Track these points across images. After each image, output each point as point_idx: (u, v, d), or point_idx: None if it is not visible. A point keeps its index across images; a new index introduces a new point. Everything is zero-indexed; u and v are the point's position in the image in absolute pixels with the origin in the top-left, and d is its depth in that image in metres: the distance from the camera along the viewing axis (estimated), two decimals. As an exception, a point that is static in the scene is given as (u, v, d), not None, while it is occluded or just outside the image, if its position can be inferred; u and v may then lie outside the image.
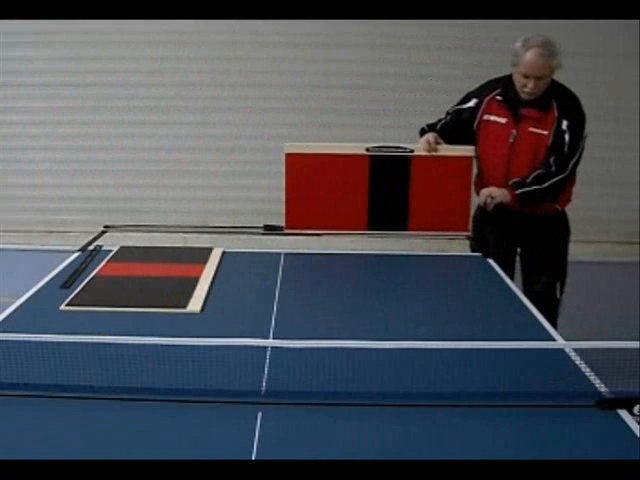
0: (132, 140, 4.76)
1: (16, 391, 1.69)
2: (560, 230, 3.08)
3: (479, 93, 3.01)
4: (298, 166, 3.00)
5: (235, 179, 4.79)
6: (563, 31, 4.37)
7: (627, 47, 4.49)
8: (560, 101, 2.85)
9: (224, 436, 1.54)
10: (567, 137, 2.82)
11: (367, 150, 2.98)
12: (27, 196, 4.82)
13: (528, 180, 2.83)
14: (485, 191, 2.90)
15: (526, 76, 2.78)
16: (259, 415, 1.62)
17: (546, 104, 2.84)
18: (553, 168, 2.83)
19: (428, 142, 2.97)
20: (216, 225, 3.82)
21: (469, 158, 2.98)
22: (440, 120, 3.09)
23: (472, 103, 3.01)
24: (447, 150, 2.97)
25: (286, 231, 3.16)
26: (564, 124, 2.82)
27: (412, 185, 2.99)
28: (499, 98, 2.93)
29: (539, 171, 2.84)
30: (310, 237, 3.23)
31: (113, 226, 3.31)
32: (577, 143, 2.83)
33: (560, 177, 2.82)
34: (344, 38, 4.57)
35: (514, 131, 2.89)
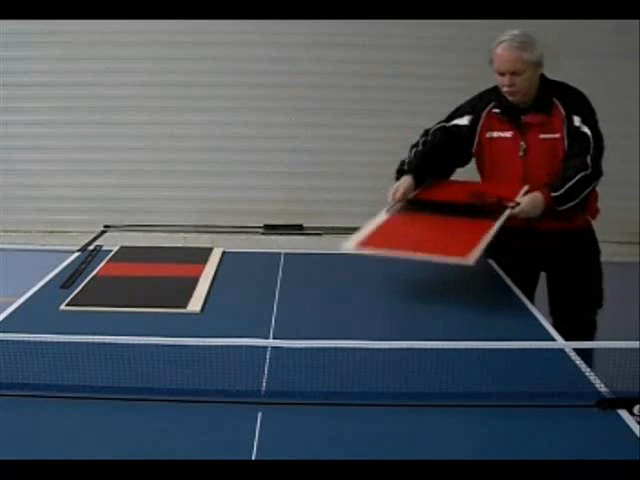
0: (132, 140, 4.76)
1: (16, 391, 1.69)
2: (593, 246, 2.78)
3: (472, 109, 2.73)
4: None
5: (235, 179, 4.79)
6: (562, 31, 4.38)
7: (627, 47, 4.49)
8: (563, 98, 2.61)
9: (224, 436, 1.54)
10: (588, 131, 2.54)
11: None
12: (27, 196, 4.82)
13: (569, 185, 2.47)
14: (519, 210, 2.47)
15: (501, 73, 2.57)
16: (259, 415, 1.62)
17: (548, 105, 2.60)
18: (590, 170, 2.50)
19: (394, 195, 2.63)
20: (216, 225, 3.83)
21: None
22: (415, 146, 2.79)
23: (466, 121, 2.72)
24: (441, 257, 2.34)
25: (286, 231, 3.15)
26: (576, 120, 2.56)
27: None
28: (496, 111, 2.67)
29: (579, 175, 2.47)
30: (310, 237, 3.23)
31: (113, 226, 3.31)
32: (599, 136, 2.56)
33: (597, 182, 2.54)
34: (344, 38, 4.57)
35: (522, 143, 2.62)
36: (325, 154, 4.71)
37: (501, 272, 2.73)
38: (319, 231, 3.30)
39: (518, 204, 2.49)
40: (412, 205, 2.62)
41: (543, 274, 2.85)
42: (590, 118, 2.58)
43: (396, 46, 4.54)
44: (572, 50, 4.44)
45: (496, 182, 2.72)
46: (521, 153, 2.63)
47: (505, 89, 2.59)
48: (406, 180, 2.67)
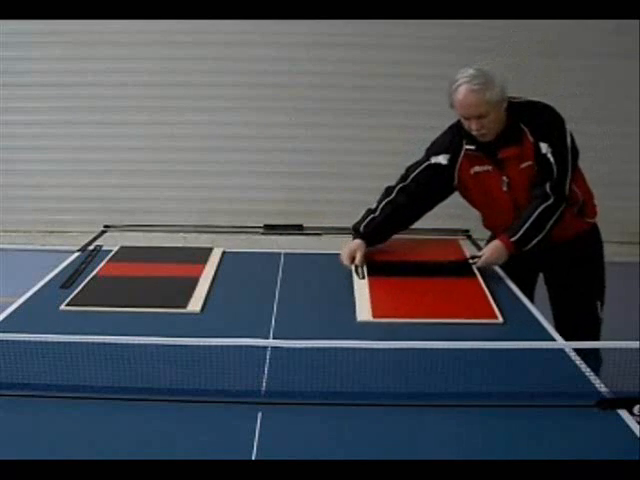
0: (132, 140, 4.76)
1: (16, 391, 1.69)
2: (593, 246, 2.78)
3: (447, 147, 2.66)
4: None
5: (235, 179, 4.79)
6: (562, 31, 4.38)
7: (627, 47, 4.49)
8: (531, 123, 2.53)
9: (224, 436, 1.54)
10: (551, 158, 2.50)
11: None
12: (27, 196, 4.82)
13: (525, 226, 2.51)
14: (482, 262, 2.59)
15: (466, 118, 2.49)
16: (259, 415, 1.62)
17: (518, 134, 2.53)
18: (551, 200, 2.51)
19: (351, 261, 2.65)
20: (216, 225, 3.83)
21: None
22: (372, 212, 2.76)
23: (443, 160, 2.66)
24: None
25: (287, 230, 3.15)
26: (543, 148, 2.50)
27: None
28: (471, 148, 2.60)
29: (538, 210, 2.50)
30: (310, 237, 3.23)
31: (113, 226, 3.31)
32: (564, 159, 2.52)
33: (562, 207, 2.52)
34: (344, 38, 4.56)
35: (504, 178, 2.59)
36: (325, 154, 4.71)
37: (501, 272, 2.73)
38: (319, 231, 3.30)
39: (479, 257, 2.60)
40: (376, 269, 2.62)
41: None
42: (557, 140, 2.52)
43: (396, 46, 4.54)
44: (572, 50, 4.44)
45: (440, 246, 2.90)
46: (505, 188, 2.61)
47: (475, 133, 2.52)
48: (359, 244, 2.70)
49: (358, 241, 2.72)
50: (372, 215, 2.77)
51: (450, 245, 2.89)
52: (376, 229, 2.76)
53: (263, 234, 3.24)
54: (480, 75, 2.44)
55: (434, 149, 2.71)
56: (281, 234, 3.23)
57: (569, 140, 2.54)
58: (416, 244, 2.90)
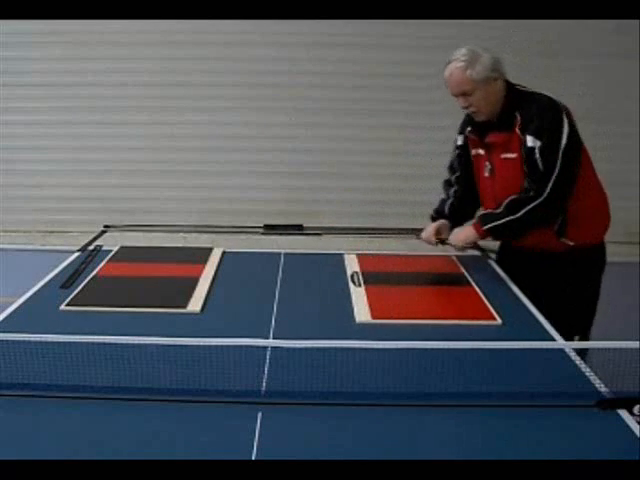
0: (132, 140, 4.76)
1: (16, 391, 1.69)
2: (572, 272, 2.61)
3: (461, 128, 2.75)
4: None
5: (235, 179, 4.79)
6: (562, 31, 4.38)
7: (627, 47, 4.49)
8: (524, 114, 2.45)
9: (224, 436, 1.54)
10: (538, 154, 2.40)
11: None
12: (27, 196, 4.81)
13: (499, 210, 2.48)
14: (452, 240, 2.64)
15: (455, 95, 2.50)
16: (259, 415, 1.62)
17: (510, 122, 2.48)
18: (531, 193, 2.43)
19: (428, 239, 2.72)
20: (216, 225, 3.82)
21: None
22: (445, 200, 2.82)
23: (460, 141, 2.76)
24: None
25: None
26: (529, 141, 2.41)
27: None
28: (469, 130, 2.65)
29: (512, 197, 2.46)
30: (310, 237, 3.23)
31: (113, 226, 3.31)
32: (552, 156, 2.40)
33: (538, 202, 2.41)
34: (344, 38, 4.56)
35: (487, 163, 2.60)
36: (325, 154, 4.71)
37: (501, 272, 2.73)
38: (319, 231, 3.30)
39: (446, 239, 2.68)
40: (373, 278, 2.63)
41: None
42: (548, 136, 2.41)
43: (396, 46, 4.54)
44: (572, 50, 4.44)
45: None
46: (486, 174, 2.62)
47: (466, 111, 2.56)
48: (444, 222, 2.75)
49: (443, 220, 2.76)
50: (449, 201, 2.81)
51: (446, 260, 2.88)
52: (455, 212, 2.79)
53: (263, 234, 3.23)
54: (467, 53, 2.45)
55: (458, 130, 2.79)
56: (281, 234, 3.23)
57: (565, 138, 2.42)
58: (412, 259, 2.91)
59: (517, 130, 2.47)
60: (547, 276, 2.61)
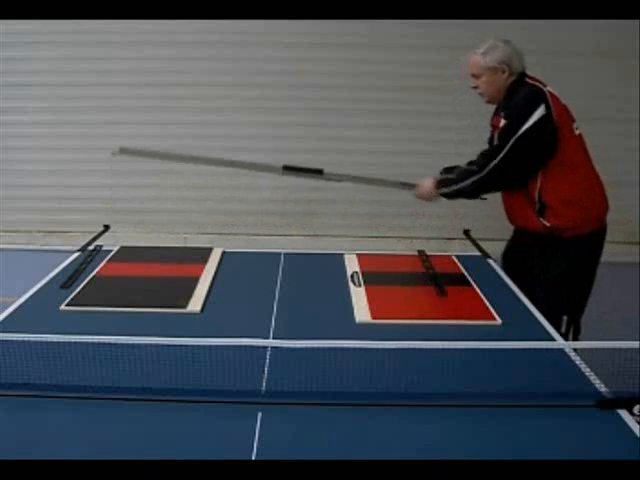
0: (132, 140, 4.75)
1: (16, 391, 1.69)
2: (552, 253, 2.72)
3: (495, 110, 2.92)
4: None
5: (235, 179, 4.79)
6: (563, 31, 4.38)
7: (627, 47, 4.49)
8: (510, 99, 2.70)
9: (224, 436, 1.54)
10: (499, 132, 2.68)
11: None
12: (27, 196, 4.81)
13: (452, 175, 2.76)
14: (417, 195, 2.93)
15: (467, 75, 2.79)
16: (259, 415, 1.63)
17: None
18: (474, 166, 2.69)
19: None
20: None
21: None
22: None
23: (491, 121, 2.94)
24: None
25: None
26: (501, 121, 2.69)
27: None
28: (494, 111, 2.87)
29: (467, 163, 2.76)
30: (310, 237, 3.24)
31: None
32: (507, 137, 2.60)
33: (478, 176, 2.64)
34: (344, 38, 4.56)
35: (489, 145, 2.86)
36: (325, 154, 4.71)
37: (501, 272, 2.74)
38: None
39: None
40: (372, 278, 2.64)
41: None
42: (514, 119, 2.60)
43: (396, 46, 4.53)
44: (572, 50, 4.44)
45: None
46: None
47: (474, 91, 2.78)
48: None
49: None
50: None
51: (446, 260, 2.88)
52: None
53: (283, 174, 3.23)
54: (490, 43, 2.72)
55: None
56: (297, 176, 3.24)
57: (529, 124, 2.56)
58: (413, 259, 2.92)
59: (501, 113, 2.72)
60: (535, 255, 2.77)
